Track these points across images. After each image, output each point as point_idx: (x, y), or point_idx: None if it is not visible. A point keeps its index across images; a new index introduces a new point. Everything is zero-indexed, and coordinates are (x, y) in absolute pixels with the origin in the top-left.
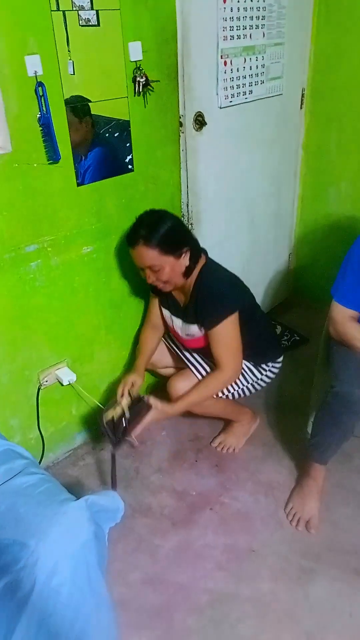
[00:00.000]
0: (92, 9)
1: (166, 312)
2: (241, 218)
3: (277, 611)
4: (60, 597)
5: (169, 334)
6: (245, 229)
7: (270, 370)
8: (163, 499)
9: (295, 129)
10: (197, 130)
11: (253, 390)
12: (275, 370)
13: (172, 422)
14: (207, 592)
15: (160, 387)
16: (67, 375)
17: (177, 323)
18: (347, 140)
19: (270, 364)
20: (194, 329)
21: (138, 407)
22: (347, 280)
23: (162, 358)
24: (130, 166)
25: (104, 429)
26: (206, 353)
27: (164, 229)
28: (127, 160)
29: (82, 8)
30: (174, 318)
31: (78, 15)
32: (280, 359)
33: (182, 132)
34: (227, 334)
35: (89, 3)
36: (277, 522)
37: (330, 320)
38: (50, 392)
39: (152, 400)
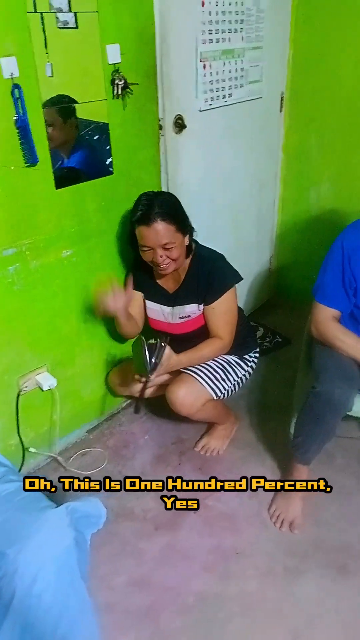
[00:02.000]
0: (70, 11)
1: (153, 305)
2: (223, 220)
3: (264, 609)
4: (41, 603)
5: None
6: (227, 231)
7: (252, 361)
8: (146, 503)
9: (275, 131)
10: (177, 133)
11: (241, 385)
12: (256, 361)
13: (155, 425)
14: (193, 593)
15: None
16: (47, 380)
17: (166, 311)
18: (326, 142)
19: (252, 354)
20: (191, 309)
21: (157, 346)
22: (327, 280)
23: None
24: (110, 169)
25: (144, 349)
26: (198, 335)
27: (175, 206)
28: (107, 162)
29: (60, 10)
30: (163, 307)
31: (56, 17)
32: (257, 349)
33: (162, 135)
34: (228, 306)
35: (67, 5)
36: (262, 523)
37: (312, 320)
38: (30, 397)
39: (164, 343)
